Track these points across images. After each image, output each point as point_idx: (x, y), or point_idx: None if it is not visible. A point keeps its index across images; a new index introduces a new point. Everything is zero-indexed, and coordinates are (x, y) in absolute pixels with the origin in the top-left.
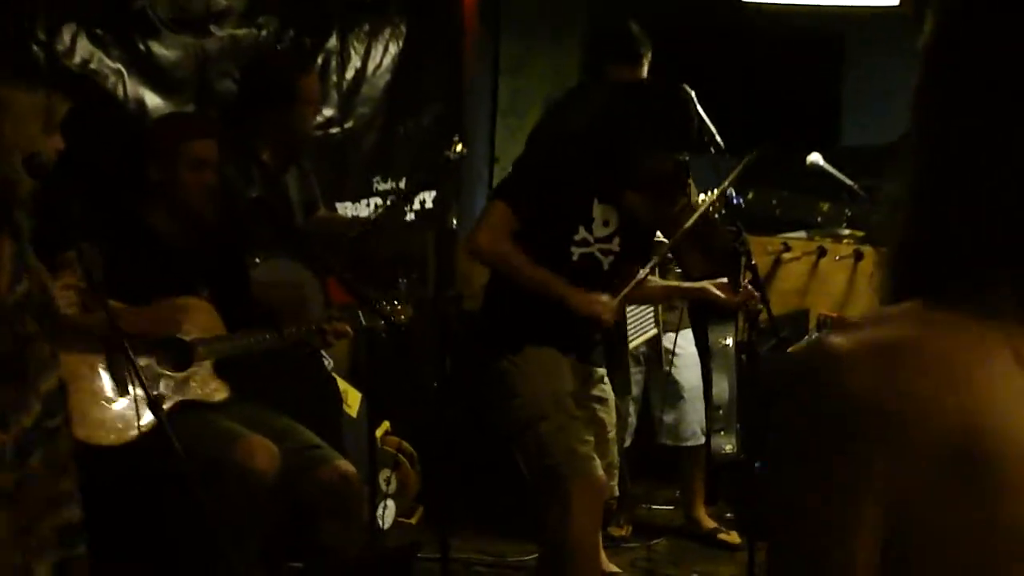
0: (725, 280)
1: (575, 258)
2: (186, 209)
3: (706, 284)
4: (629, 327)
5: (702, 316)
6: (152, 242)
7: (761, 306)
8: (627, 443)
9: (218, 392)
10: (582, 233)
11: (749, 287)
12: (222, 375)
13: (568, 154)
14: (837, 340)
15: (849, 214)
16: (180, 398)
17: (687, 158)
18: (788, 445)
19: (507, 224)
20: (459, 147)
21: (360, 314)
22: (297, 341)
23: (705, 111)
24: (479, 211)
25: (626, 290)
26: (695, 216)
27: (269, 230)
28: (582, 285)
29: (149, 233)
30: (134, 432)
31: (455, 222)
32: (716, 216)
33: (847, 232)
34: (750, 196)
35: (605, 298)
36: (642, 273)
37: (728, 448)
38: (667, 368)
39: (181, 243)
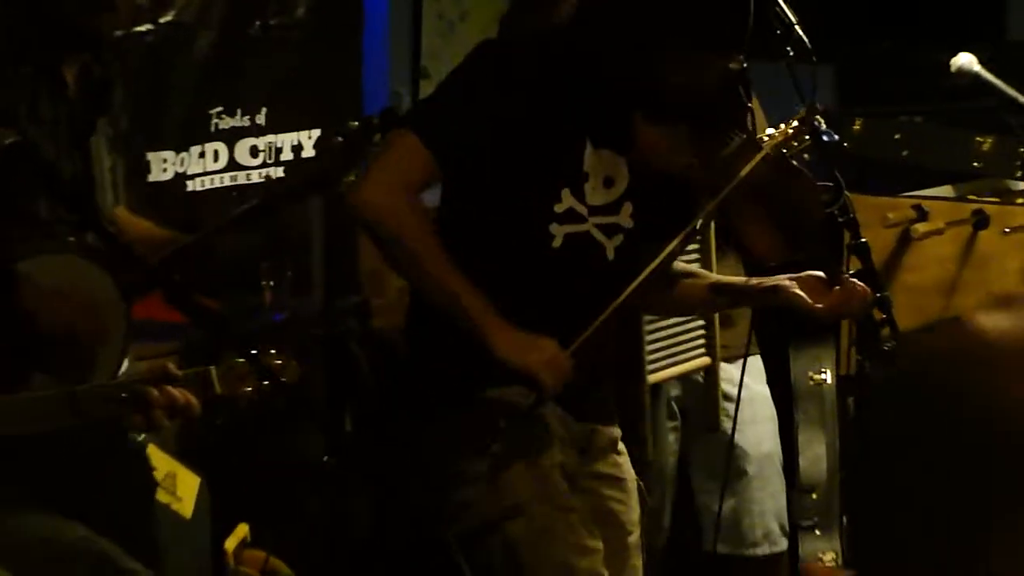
0: (816, 273)
1: (557, 243)
2: None
3: (782, 279)
4: (653, 353)
5: (778, 335)
6: None
7: (879, 314)
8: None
9: None
10: (567, 200)
11: (855, 282)
12: None
13: (537, 65)
14: (991, 324)
15: None
16: None
17: (745, 65)
18: (899, 484)
19: (416, 170)
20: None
21: (211, 376)
22: (99, 416)
23: None
24: None
25: (588, 332)
26: (756, 158)
27: (47, 203)
28: (570, 288)
29: None
30: None
31: (355, 180)
32: (798, 163)
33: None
34: (857, 127)
35: (549, 344)
36: (629, 288)
37: (828, 557)
38: (720, 422)
39: None
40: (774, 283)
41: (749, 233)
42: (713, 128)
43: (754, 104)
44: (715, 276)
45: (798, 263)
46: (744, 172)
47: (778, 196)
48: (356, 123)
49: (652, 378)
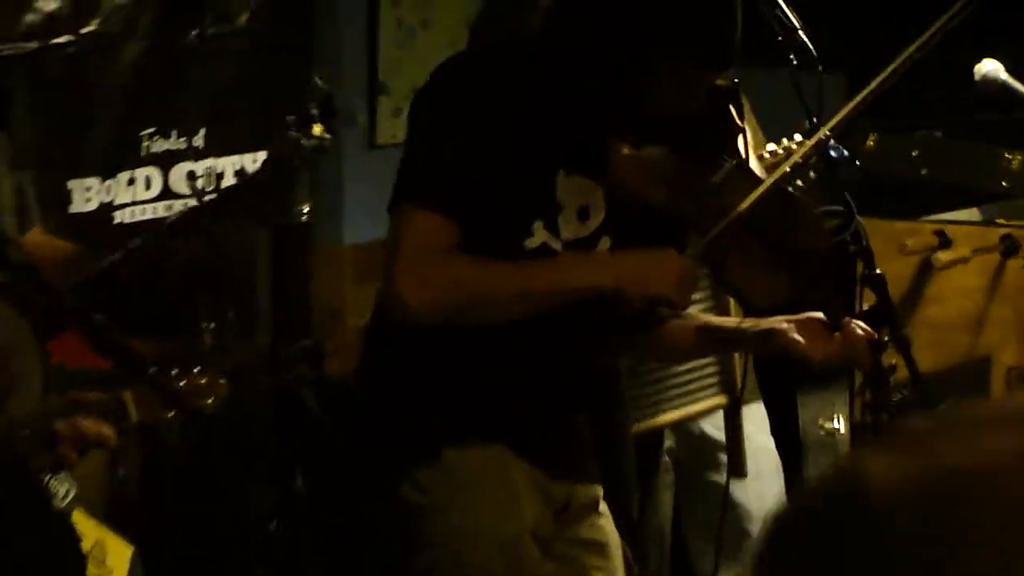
0: (816, 315)
1: None
2: None
3: (778, 323)
4: (660, 393)
5: (784, 380)
6: None
7: (895, 355)
8: None
9: None
10: (539, 234)
11: (860, 326)
12: None
13: (502, 87)
14: (879, 467)
15: None
16: None
17: (736, 81)
18: None
19: (436, 237)
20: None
21: (126, 400)
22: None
23: None
24: (353, 188)
25: (720, 227)
26: (760, 189)
27: None
28: (539, 332)
29: None
30: None
31: (307, 210)
32: (802, 186)
33: None
34: (869, 143)
35: (670, 260)
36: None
37: None
38: (746, 467)
39: None
40: (769, 327)
41: (743, 269)
42: (699, 152)
43: (748, 118)
44: (704, 317)
45: (799, 302)
46: (744, 207)
47: (777, 227)
48: (293, 117)
49: (662, 419)
